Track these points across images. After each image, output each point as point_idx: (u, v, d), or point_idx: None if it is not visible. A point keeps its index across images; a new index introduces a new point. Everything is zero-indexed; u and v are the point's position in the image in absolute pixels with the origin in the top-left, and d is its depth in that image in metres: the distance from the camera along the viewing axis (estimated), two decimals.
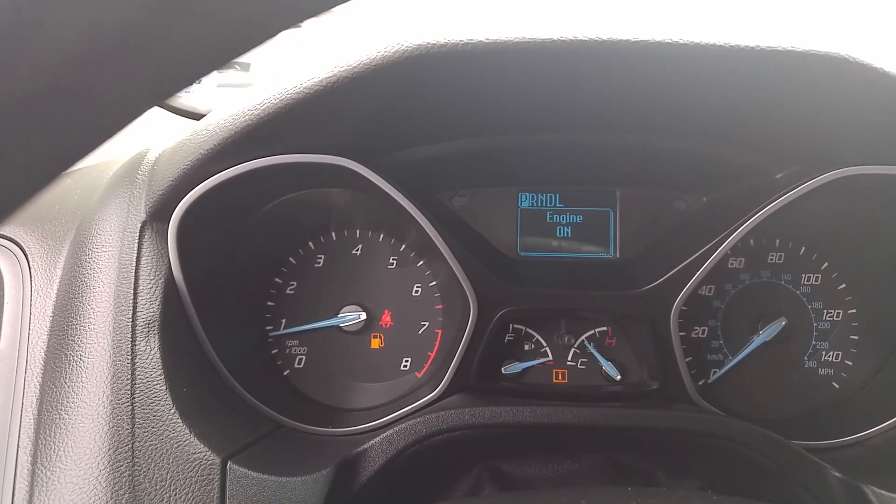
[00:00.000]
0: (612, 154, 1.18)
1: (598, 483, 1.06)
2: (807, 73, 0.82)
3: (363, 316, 1.27)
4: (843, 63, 0.80)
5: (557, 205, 1.30)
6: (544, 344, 1.28)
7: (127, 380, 0.85)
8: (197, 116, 1.44)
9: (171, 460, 0.83)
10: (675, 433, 1.03)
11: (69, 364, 0.87)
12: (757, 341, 1.25)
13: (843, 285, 1.28)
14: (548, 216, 1.29)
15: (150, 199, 0.97)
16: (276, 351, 1.28)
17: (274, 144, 0.96)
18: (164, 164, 0.99)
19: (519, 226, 1.29)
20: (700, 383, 1.26)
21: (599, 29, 0.80)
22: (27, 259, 1.02)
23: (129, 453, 0.81)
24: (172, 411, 0.86)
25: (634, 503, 0.68)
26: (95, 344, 0.88)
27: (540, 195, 1.30)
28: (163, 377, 0.88)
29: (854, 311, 1.27)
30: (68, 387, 0.85)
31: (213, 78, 1.88)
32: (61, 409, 0.83)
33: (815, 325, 1.28)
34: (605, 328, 1.27)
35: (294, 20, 0.39)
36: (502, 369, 1.25)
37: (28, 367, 0.89)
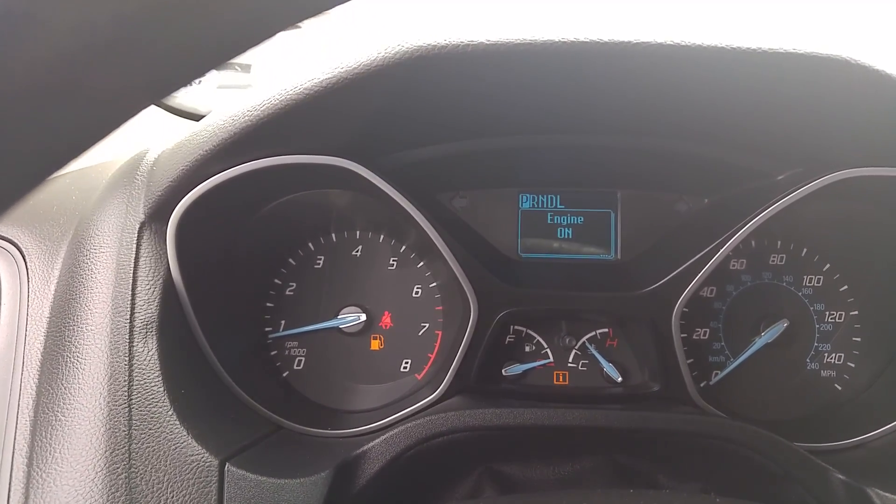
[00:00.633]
0: (613, 155, 1.17)
1: (600, 485, 1.05)
2: (809, 75, 0.81)
3: (363, 317, 1.26)
4: (845, 65, 0.79)
5: (558, 206, 1.29)
6: (545, 345, 1.27)
7: (124, 381, 0.85)
8: (197, 117, 1.44)
9: (168, 462, 0.82)
10: (677, 435, 1.02)
11: (66, 365, 0.86)
12: (759, 343, 1.24)
13: (846, 287, 1.27)
14: (549, 217, 1.29)
15: (149, 200, 0.97)
16: (275, 352, 1.27)
17: (274, 145, 0.96)
18: (163, 165, 0.98)
19: (520, 227, 1.29)
20: (702, 385, 1.25)
21: (601, 30, 0.80)
22: (24, 259, 1.02)
23: (126, 455, 0.80)
24: (170, 413, 0.85)
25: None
26: (93, 345, 0.87)
27: (541, 196, 1.29)
28: (160, 379, 0.87)
29: (856, 312, 1.26)
30: (65, 388, 0.84)
31: (214, 79, 1.88)
32: (58, 411, 0.83)
33: (817, 326, 1.27)
34: (606, 330, 1.26)
35: (291, 20, 0.39)
36: (503, 371, 1.25)
37: (24, 369, 0.88)
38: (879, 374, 1.22)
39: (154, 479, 0.81)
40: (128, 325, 0.89)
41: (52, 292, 0.95)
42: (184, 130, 0.98)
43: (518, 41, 0.79)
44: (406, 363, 1.28)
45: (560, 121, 1.06)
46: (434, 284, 1.29)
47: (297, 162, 0.99)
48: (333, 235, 1.29)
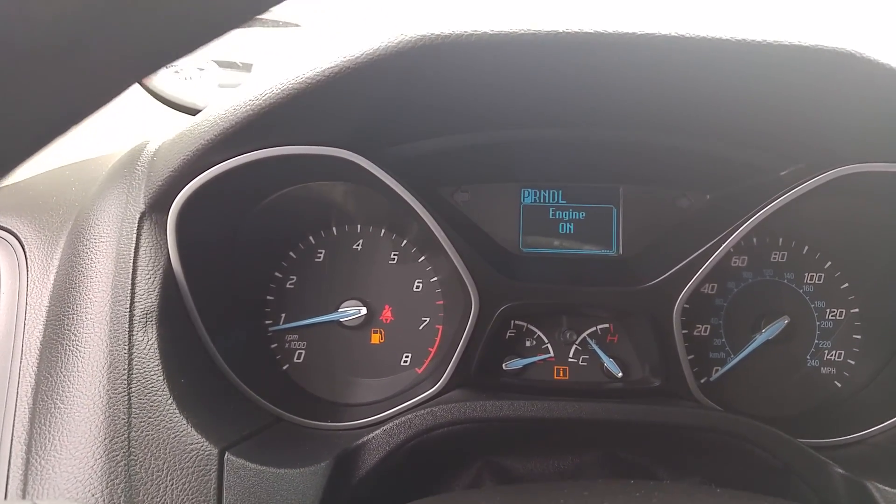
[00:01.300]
0: (615, 150, 1.17)
1: (600, 478, 1.05)
2: (813, 69, 0.81)
3: (363, 311, 1.26)
4: (851, 58, 0.79)
5: (560, 201, 1.29)
6: (546, 340, 1.27)
7: (123, 369, 0.85)
8: (196, 113, 1.44)
9: (167, 450, 0.82)
10: (678, 429, 1.02)
11: (65, 353, 0.86)
12: (759, 339, 1.24)
13: (846, 284, 1.27)
14: (550, 213, 1.29)
15: (150, 190, 0.97)
16: (275, 345, 1.27)
17: (275, 135, 0.96)
18: (164, 155, 0.98)
19: (521, 222, 1.29)
20: (702, 381, 1.25)
21: (604, 22, 0.80)
22: (24, 249, 1.01)
23: (126, 443, 0.80)
24: (169, 401, 0.85)
25: (637, 494, 0.67)
26: (92, 333, 0.87)
27: (543, 192, 1.29)
28: (160, 367, 0.87)
29: (857, 310, 1.26)
30: (64, 376, 0.84)
31: (214, 77, 1.87)
32: (57, 398, 0.82)
33: (817, 324, 1.27)
34: (606, 325, 1.26)
35: None
36: (503, 365, 1.25)
37: (24, 357, 0.88)
38: (879, 372, 1.22)
39: (153, 467, 0.80)
40: (127, 314, 0.89)
41: (52, 282, 0.95)
42: (185, 122, 0.98)
43: (521, 31, 0.79)
44: (406, 357, 1.28)
45: (562, 114, 1.06)
46: (435, 279, 1.28)
47: (299, 153, 0.98)
48: (334, 229, 1.29)
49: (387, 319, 1.29)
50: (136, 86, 1.74)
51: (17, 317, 0.91)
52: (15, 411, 0.83)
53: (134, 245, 0.94)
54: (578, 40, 0.79)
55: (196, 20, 0.36)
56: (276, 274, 1.28)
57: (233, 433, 0.92)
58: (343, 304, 1.27)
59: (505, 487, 0.97)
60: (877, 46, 0.81)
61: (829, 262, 1.27)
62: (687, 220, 1.24)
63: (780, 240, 1.28)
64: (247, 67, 1.91)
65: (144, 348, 0.87)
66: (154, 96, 1.75)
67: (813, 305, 1.28)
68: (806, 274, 1.28)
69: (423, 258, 1.28)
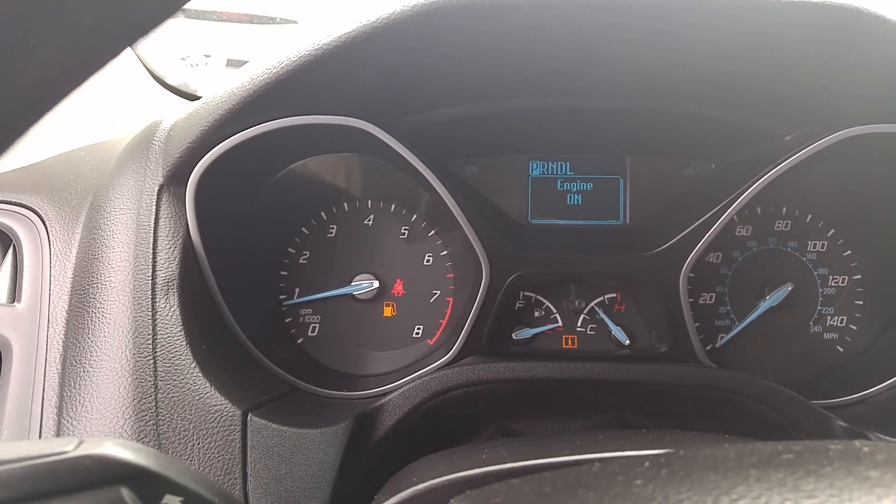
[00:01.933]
0: (621, 120, 1.19)
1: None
2: (819, 26, 0.83)
3: (376, 284, 1.28)
4: (857, 14, 0.80)
5: (568, 173, 1.31)
6: (554, 310, 1.29)
7: (148, 335, 0.87)
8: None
9: (193, 411, 0.85)
10: (687, 388, 1.04)
11: (91, 321, 0.89)
12: (763, 306, 1.27)
13: (849, 252, 1.29)
14: (558, 184, 1.31)
15: (168, 163, 0.99)
16: (289, 319, 1.29)
17: (290, 105, 0.98)
18: (181, 129, 1.00)
19: (530, 194, 1.31)
20: (708, 348, 1.28)
21: None
22: (45, 225, 1.04)
23: (153, 404, 0.83)
24: (193, 365, 0.88)
25: (651, 437, 0.70)
26: (116, 301, 0.89)
27: (551, 163, 1.31)
28: (183, 333, 0.90)
29: (859, 276, 1.29)
30: (91, 342, 0.87)
31: (220, 65, 1.89)
32: (85, 363, 0.85)
33: (820, 290, 1.30)
34: (614, 294, 1.28)
35: None
36: (513, 335, 1.27)
37: (50, 326, 0.91)
38: (880, 336, 1.25)
39: (181, 427, 0.83)
40: (150, 282, 0.91)
41: (74, 255, 0.98)
42: (199, 99, 1.00)
43: None
44: (418, 329, 1.30)
45: (569, 82, 1.08)
46: (445, 252, 1.31)
47: (314, 122, 1.00)
48: (345, 205, 1.31)
49: (398, 293, 1.31)
50: (144, 73, 1.76)
51: (43, 289, 0.94)
52: (45, 377, 0.86)
53: (154, 216, 0.97)
54: (581, 3, 0.81)
55: None
56: (290, 249, 1.30)
57: (254, 397, 0.94)
58: (356, 278, 1.29)
59: (513, 439, 0.99)
60: (884, 3, 0.82)
61: (832, 230, 1.29)
62: (692, 189, 1.26)
63: (784, 209, 1.30)
64: (242, 64, 1.93)
65: (167, 314, 0.90)
66: (161, 83, 1.78)
67: (816, 273, 1.30)
68: (809, 242, 1.30)
69: (433, 232, 1.31)
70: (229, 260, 1.09)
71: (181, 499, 0.51)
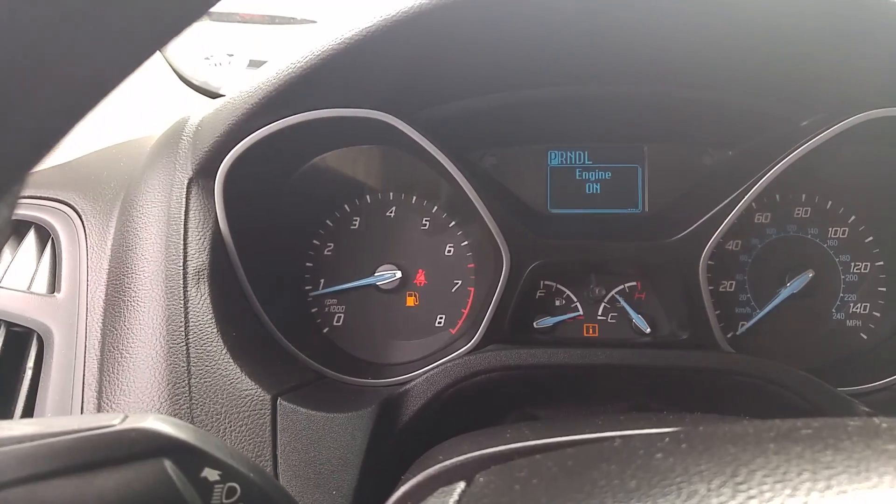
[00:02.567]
0: (639, 107, 1.20)
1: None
2: (831, 12, 0.84)
3: (398, 274, 1.31)
4: (866, 1, 0.81)
5: (586, 162, 1.32)
6: (575, 299, 1.31)
7: (180, 322, 0.90)
8: None
9: (224, 396, 0.88)
10: (710, 373, 1.05)
11: (126, 309, 0.92)
12: (784, 293, 1.27)
13: (871, 238, 1.29)
14: (577, 173, 1.32)
15: (196, 157, 1.02)
16: (315, 310, 1.32)
17: (315, 99, 1.00)
18: (208, 124, 1.03)
19: (549, 183, 1.33)
20: (728, 336, 1.28)
21: None
22: (81, 219, 1.08)
23: (187, 389, 0.86)
24: (224, 352, 0.91)
25: (672, 418, 0.71)
26: (150, 290, 0.93)
27: (569, 153, 1.33)
28: (213, 321, 0.93)
29: (882, 263, 1.29)
30: (127, 329, 0.90)
31: (243, 64, 1.93)
32: (122, 349, 0.89)
33: (842, 277, 1.30)
34: (634, 283, 1.29)
35: None
36: (534, 324, 1.29)
37: (88, 314, 0.94)
38: None
39: (213, 411, 0.86)
40: (181, 271, 0.95)
41: (109, 247, 1.01)
42: (226, 95, 1.04)
43: None
44: (441, 318, 1.33)
45: (588, 70, 1.09)
46: (465, 243, 1.33)
47: (338, 115, 1.03)
48: (368, 197, 1.34)
49: (421, 283, 1.33)
50: (171, 73, 1.80)
51: (80, 280, 0.98)
52: (85, 363, 0.90)
53: (184, 209, 1.00)
54: None
55: None
56: (315, 241, 1.33)
57: (282, 383, 0.97)
58: (379, 269, 1.32)
59: (534, 422, 1.01)
60: None
61: (853, 217, 1.29)
62: (710, 176, 1.27)
63: (804, 195, 1.30)
64: (261, 64, 1.96)
65: (198, 303, 0.93)
66: (187, 83, 1.82)
67: (838, 259, 1.30)
68: (830, 228, 1.30)
69: (453, 223, 1.33)
70: (257, 251, 1.12)
71: (219, 472, 0.53)
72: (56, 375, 0.90)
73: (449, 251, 1.34)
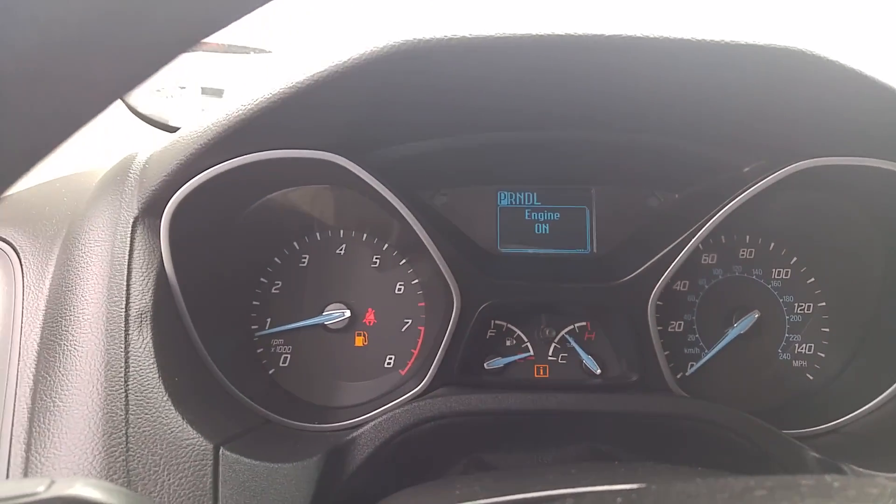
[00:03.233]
0: (586, 151, 1.22)
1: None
2: (767, 66, 0.87)
3: (347, 314, 1.29)
4: (801, 56, 0.84)
5: (535, 203, 1.34)
6: (525, 339, 1.31)
7: (120, 368, 0.87)
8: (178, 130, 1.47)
9: (164, 445, 0.84)
10: (658, 417, 1.06)
11: (63, 354, 0.88)
12: (731, 334, 1.29)
13: (812, 279, 1.33)
14: (526, 214, 1.33)
15: (143, 195, 0.99)
16: (261, 350, 1.29)
17: (265, 140, 0.99)
18: (157, 162, 1.01)
19: (499, 223, 1.33)
20: (678, 376, 1.30)
21: (572, 25, 0.85)
22: (19, 257, 1.03)
23: (124, 438, 0.82)
24: (165, 399, 0.87)
25: (623, 471, 0.71)
26: (89, 333, 0.89)
27: (518, 194, 1.34)
28: (155, 366, 0.90)
29: (824, 303, 1.32)
30: (62, 375, 0.86)
31: (195, 97, 1.90)
32: (55, 397, 0.84)
33: (787, 318, 1.33)
34: (584, 323, 1.30)
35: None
36: (484, 365, 1.28)
37: (21, 359, 0.90)
38: (849, 363, 1.28)
39: (151, 462, 0.83)
40: (123, 314, 0.91)
41: (48, 287, 0.97)
42: (173, 135, 1.01)
43: (496, 35, 0.84)
44: (390, 359, 1.31)
45: (535, 116, 1.11)
46: (416, 281, 1.32)
47: (287, 156, 1.02)
48: (318, 234, 1.32)
49: (370, 322, 1.32)
50: (119, 104, 1.77)
51: (14, 321, 0.93)
52: (14, 412, 0.85)
53: (128, 248, 0.97)
54: (546, 43, 0.84)
55: (184, 22, 0.38)
56: (262, 279, 1.30)
57: (226, 430, 0.94)
58: (327, 308, 1.30)
59: (486, 474, 1.00)
60: (830, 45, 0.87)
61: (795, 258, 1.33)
62: (657, 219, 1.29)
63: (748, 237, 1.34)
64: (218, 93, 1.94)
65: (140, 347, 0.90)
66: (136, 114, 1.78)
67: (781, 300, 1.33)
68: (773, 269, 1.34)
69: (404, 261, 1.32)
70: (203, 291, 1.09)
71: None
72: None
73: (399, 289, 1.33)
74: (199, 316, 1.07)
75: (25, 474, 0.80)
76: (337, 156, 1.05)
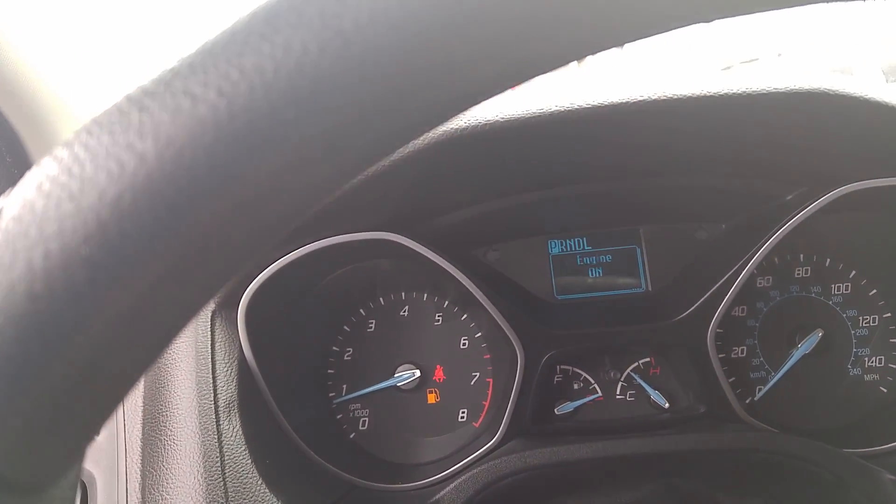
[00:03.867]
0: (632, 196, 1.26)
1: None
2: (794, 108, 0.90)
3: (417, 373, 1.34)
4: (824, 96, 0.87)
5: (586, 248, 1.37)
6: (592, 381, 1.34)
7: (216, 457, 0.94)
8: None
9: None
10: (727, 453, 1.07)
11: (164, 448, 0.96)
12: (796, 355, 1.29)
13: (874, 291, 1.32)
14: (578, 259, 1.37)
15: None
16: (340, 416, 1.36)
17: (329, 226, 1.07)
18: None
19: (552, 271, 1.37)
20: (747, 401, 1.30)
21: (605, 95, 0.90)
22: None
23: None
24: (260, 483, 0.94)
25: None
26: (185, 427, 0.97)
27: (568, 241, 1.38)
28: (247, 452, 0.97)
29: (889, 314, 1.31)
30: (166, 469, 0.94)
31: None
32: (162, 490, 0.92)
33: (853, 332, 1.32)
34: (647, 359, 1.32)
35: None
36: (555, 410, 1.32)
37: (128, 456, 0.98)
38: None
39: None
40: (212, 405, 0.99)
41: (142, 385, 1.06)
42: None
43: (532, 114, 0.90)
44: (463, 413, 1.36)
45: (581, 173, 1.16)
46: (479, 335, 1.37)
47: (346, 240, 1.09)
48: (381, 299, 1.39)
49: (440, 379, 1.37)
50: None
51: (118, 422, 1.02)
52: None
53: (210, 341, 1.05)
54: (581, 115, 0.90)
55: None
56: (334, 348, 1.37)
57: (319, 503, 1.00)
58: (398, 369, 1.36)
59: None
60: (851, 81, 0.90)
61: (854, 272, 1.33)
62: (707, 251, 1.31)
63: (802, 256, 1.34)
64: None
65: (231, 435, 0.97)
66: None
67: (845, 315, 1.33)
68: (833, 285, 1.33)
69: (465, 316, 1.37)
70: (282, 371, 1.16)
71: None
72: None
73: (464, 344, 1.38)
74: (281, 395, 1.14)
75: None
76: (390, 233, 1.12)
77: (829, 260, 1.34)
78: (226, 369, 1.04)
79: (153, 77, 0.31)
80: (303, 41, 0.30)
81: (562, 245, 1.38)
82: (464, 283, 1.19)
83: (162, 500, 0.91)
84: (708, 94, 0.88)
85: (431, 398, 1.37)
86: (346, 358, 1.38)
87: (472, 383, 1.36)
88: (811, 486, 1.05)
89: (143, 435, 1.00)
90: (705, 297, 1.19)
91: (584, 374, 1.34)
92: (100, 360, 0.31)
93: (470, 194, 1.15)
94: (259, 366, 1.09)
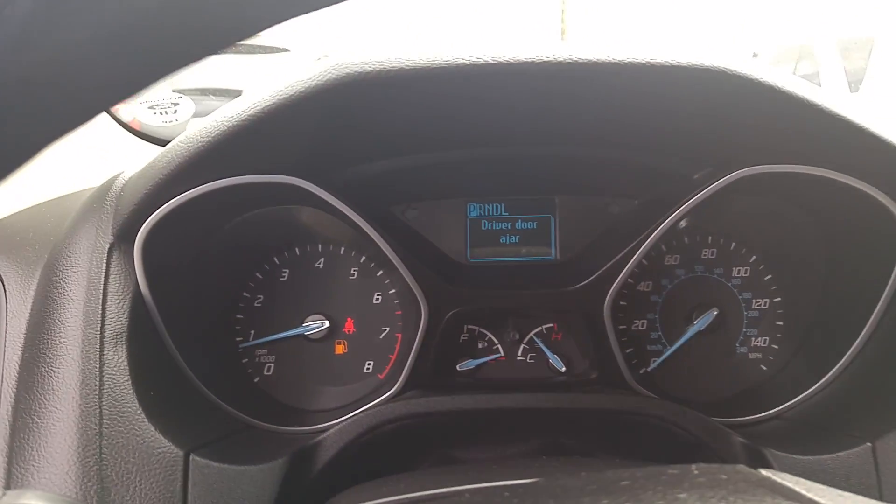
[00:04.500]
0: (550, 164, 1.28)
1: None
2: (696, 83, 0.92)
3: (326, 324, 1.36)
4: (722, 74, 0.89)
5: (503, 213, 1.39)
6: (496, 342, 1.37)
7: (95, 385, 0.94)
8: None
9: (136, 455, 0.91)
10: (607, 413, 1.12)
11: (41, 374, 0.95)
12: (691, 331, 1.34)
13: (770, 276, 1.37)
14: (494, 225, 1.39)
15: (117, 223, 1.06)
16: (246, 360, 1.36)
17: (228, 167, 1.06)
18: (129, 190, 1.08)
19: (468, 234, 1.39)
20: (641, 372, 1.35)
21: (522, 50, 0.91)
22: (3, 283, 1.11)
23: (98, 450, 0.89)
24: (139, 411, 0.95)
25: (542, 466, 0.76)
26: (66, 355, 0.96)
27: (486, 205, 1.40)
28: (129, 382, 0.97)
29: (779, 299, 1.37)
30: (40, 395, 0.93)
31: (190, 109, 1.98)
32: (34, 415, 0.92)
33: (745, 313, 1.38)
34: (551, 324, 1.36)
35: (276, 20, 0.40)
36: (457, 367, 1.35)
37: (4, 380, 0.97)
38: (795, 353, 1.33)
39: (124, 471, 0.90)
40: (98, 335, 0.98)
41: (28, 311, 1.04)
42: (150, 156, 1.08)
43: (451, 61, 0.89)
44: (369, 364, 1.38)
45: (499, 135, 1.16)
46: (393, 291, 1.38)
47: (248, 182, 1.08)
48: (297, 249, 1.39)
49: (349, 331, 1.38)
50: (112, 121, 1.85)
51: None
52: None
53: (104, 273, 1.04)
54: (499, 68, 0.90)
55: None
56: (245, 294, 1.37)
57: (200, 438, 1.01)
58: (307, 319, 1.36)
59: (436, 469, 1.06)
60: (755, 64, 0.92)
61: (754, 256, 1.38)
62: (616, 225, 1.34)
63: (710, 238, 1.38)
64: (236, 94, 2.03)
65: (115, 366, 0.97)
66: (129, 130, 1.86)
67: (741, 297, 1.38)
68: (734, 268, 1.38)
69: (381, 273, 1.38)
70: (181, 309, 1.16)
71: None
72: None
73: (377, 299, 1.39)
74: (179, 332, 1.14)
75: (7, 487, 0.87)
76: (298, 178, 1.11)
77: (733, 244, 1.38)
78: (118, 301, 1.03)
79: None
80: None
81: (480, 209, 1.40)
82: (374, 238, 1.20)
83: (33, 423, 0.91)
84: (611, 60, 0.89)
85: (339, 349, 1.38)
86: (256, 304, 1.38)
87: (382, 337, 1.38)
88: (676, 445, 1.10)
89: (21, 361, 0.98)
90: (605, 267, 1.23)
91: (489, 335, 1.37)
92: None
93: (382, 145, 1.15)
94: (156, 301, 1.08)
